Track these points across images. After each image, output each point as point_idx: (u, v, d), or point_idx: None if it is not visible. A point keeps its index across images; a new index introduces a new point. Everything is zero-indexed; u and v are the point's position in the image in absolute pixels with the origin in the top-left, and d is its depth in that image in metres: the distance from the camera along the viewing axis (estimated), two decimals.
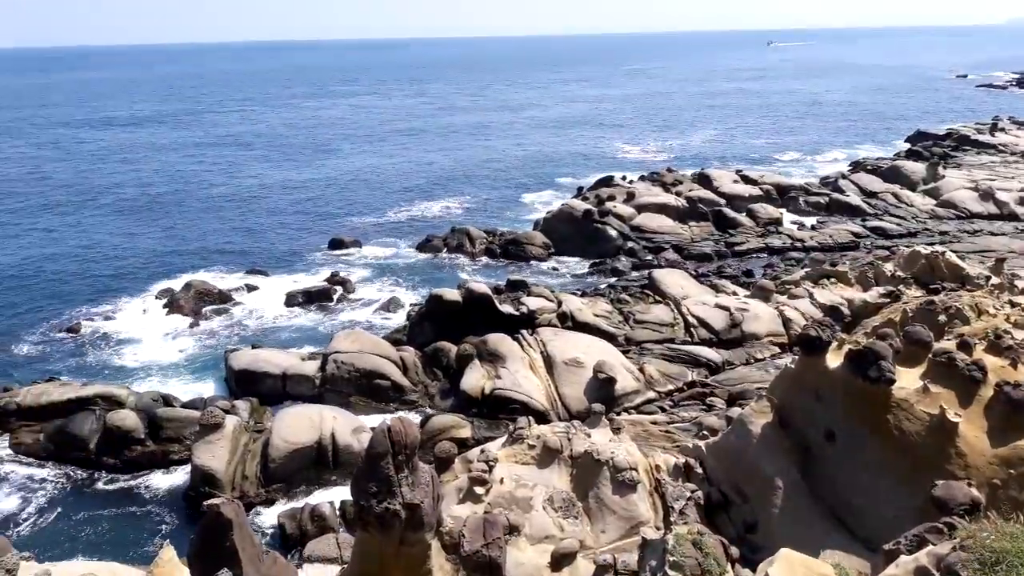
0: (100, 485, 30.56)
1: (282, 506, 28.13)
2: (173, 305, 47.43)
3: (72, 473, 31.19)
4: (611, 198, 65.47)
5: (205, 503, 15.27)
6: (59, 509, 29.15)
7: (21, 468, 31.42)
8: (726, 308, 40.83)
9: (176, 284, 51.13)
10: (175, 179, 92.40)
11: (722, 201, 67.54)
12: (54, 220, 72.90)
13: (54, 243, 64.83)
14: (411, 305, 48.04)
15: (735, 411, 25.92)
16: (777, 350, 38.57)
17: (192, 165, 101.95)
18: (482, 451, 22.12)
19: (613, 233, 59.75)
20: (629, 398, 33.60)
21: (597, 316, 40.79)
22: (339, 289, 51.71)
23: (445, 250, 60.71)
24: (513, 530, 18.56)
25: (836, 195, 71.73)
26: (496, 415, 32.98)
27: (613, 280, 53.07)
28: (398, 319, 46.32)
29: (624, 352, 37.34)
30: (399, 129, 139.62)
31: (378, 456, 14.89)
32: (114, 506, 29.36)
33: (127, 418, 32.19)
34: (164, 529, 27.85)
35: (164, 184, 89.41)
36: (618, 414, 30.88)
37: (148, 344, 43.59)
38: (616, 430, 22.46)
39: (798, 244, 59.95)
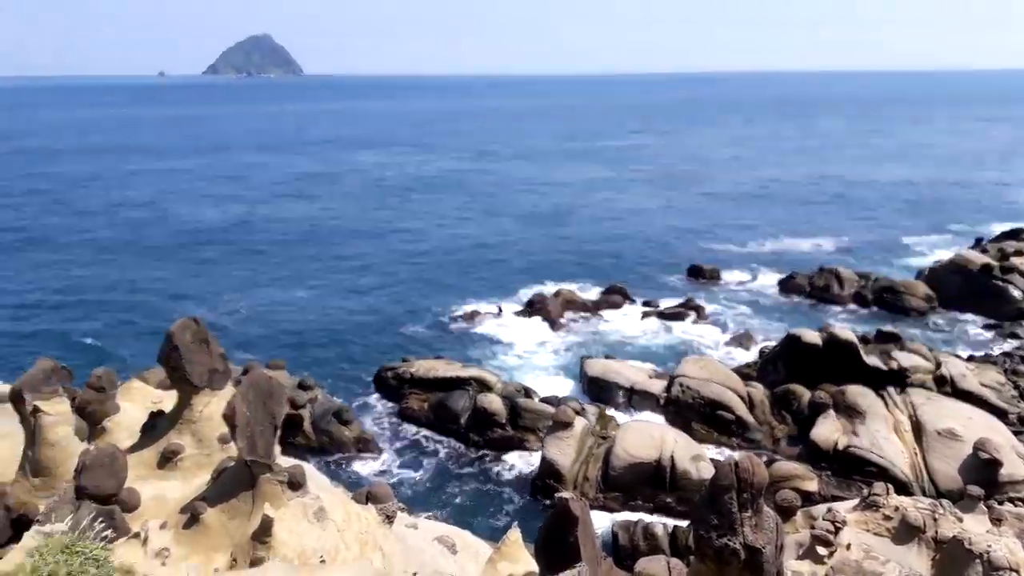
0: (464, 457, 34.61)
1: (616, 515, 29.20)
2: (544, 309, 51.66)
3: (445, 441, 35.82)
4: (1018, 253, 56.61)
5: (556, 495, 16.58)
6: (429, 471, 33.64)
7: (409, 430, 36.92)
8: None
9: (547, 290, 55.77)
10: (567, 195, 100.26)
11: None
12: (458, 222, 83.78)
13: (463, 241, 74.63)
14: (765, 341, 46.53)
15: None
16: None
17: (581, 183, 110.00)
18: (829, 509, 20.81)
19: (1017, 294, 51.63)
20: (1016, 487, 28.90)
21: (985, 386, 35.75)
22: (692, 315, 51.93)
23: (809, 289, 57.53)
24: None
25: None
26: (848, 474, 30.66)
27: (1010, 347, 45.86)
28: (749, 354, 45.16)
29: (1016, 433, 32.26)
30: (774, 160, 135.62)
31: (723, 489, 14.81)
32: (472, 479, 33.04)
33: (494, 402, 35.98)
34: (510, 509, 30.60)
35: (557, 199, 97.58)
36: (1000, 503, 26.72)
37: (518, 339, 48.21)
38: (996, 520, 19.59)
39: None
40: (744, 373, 39.93)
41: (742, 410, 35.61)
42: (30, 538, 7.58)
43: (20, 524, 13.20)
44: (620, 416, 36.03)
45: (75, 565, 7.17)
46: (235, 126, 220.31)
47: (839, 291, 56.39)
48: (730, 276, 62.39)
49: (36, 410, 14.04)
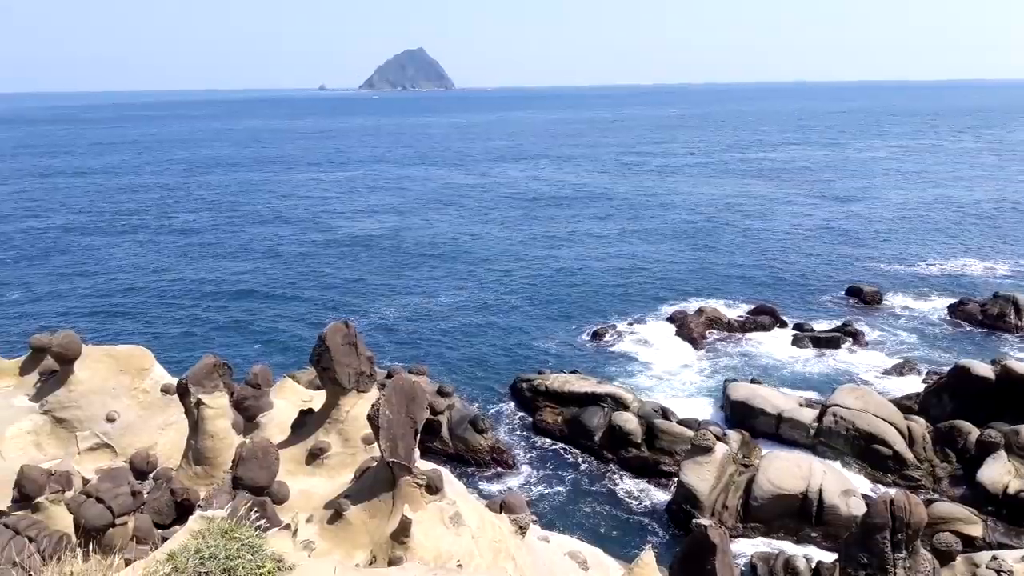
0: (597, 475, 34.32)
1: (756, 546, 27.98)
2: (684, 327, 50.42)
3: (578, 457, 35.65)
4: None
5: (694, 521, 16.09)
6: (561, 485, 33.57)
7: (542, 443, 37.07)
8: None
9: (689, 307, 54.31)
10: (714, 209, 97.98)
11: None
12: (601, 235, 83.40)
13: (604, 255, 74.33)
14: (929, 372, 43.25)
15: None
16: None
17: (730, 196, 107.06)
18: (994, 557, 19.06)
19: None
20: None
21: None
22: (849, 340, 49.03)
23: (982, 317, 52.88)
24: None
25: None
26: (1018, 521, 28.11)
27: None
28: (911, 385, 42.05)
29: None
30: (947, 174, 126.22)
31: (875, 528, 13.92)
32: (604, 498, 32.67)
33: (629, 421, 35.45)
34: (643, 532, 29.95)
35: (703, 213, 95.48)
36: None
37: (657, 357, 47.25)
38: None
39: None
40: (905, 406, 37.25)
41: (900, 445, 33.27)
42: (194, 521, 8.16)
43: (182, 508, 14.27)
44: (765, 444, 34.62)
45: (232, 550, 7.63)
46: (389, 139, 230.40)
47: (1016, 320, 51.58)
48: (893, 299, 58.42)
49: (199, 403, 15.14)
